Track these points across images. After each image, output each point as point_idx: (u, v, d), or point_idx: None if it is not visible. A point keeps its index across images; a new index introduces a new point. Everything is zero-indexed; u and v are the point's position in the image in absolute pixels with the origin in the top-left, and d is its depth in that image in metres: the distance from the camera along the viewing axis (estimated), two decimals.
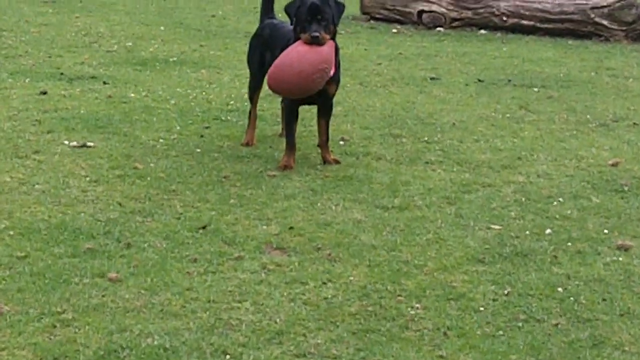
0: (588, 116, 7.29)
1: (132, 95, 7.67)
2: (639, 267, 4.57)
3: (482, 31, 10.61)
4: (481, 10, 10.66)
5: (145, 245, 4.71)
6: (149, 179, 5.81)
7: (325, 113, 6.20)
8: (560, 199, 5.57)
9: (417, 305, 4.12)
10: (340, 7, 6.07)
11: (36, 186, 5.59)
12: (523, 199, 5.57)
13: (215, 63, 8.94)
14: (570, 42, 10.16)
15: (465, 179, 5.90)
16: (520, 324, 3.97)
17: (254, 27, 11.08)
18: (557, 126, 7.04)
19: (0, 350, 3.65)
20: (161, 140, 6.56)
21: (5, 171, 5.79)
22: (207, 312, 4.00)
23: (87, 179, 5.77)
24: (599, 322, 3.98)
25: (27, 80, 7.95)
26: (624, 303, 4.17)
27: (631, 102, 7.72)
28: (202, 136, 6.70)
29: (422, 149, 6.50)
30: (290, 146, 6.13)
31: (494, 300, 4.19)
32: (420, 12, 10.86)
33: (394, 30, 10.70)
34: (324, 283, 4.35)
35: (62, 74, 8.23)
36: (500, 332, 3.89)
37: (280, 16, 6.62)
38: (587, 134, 6.85)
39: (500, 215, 5.35)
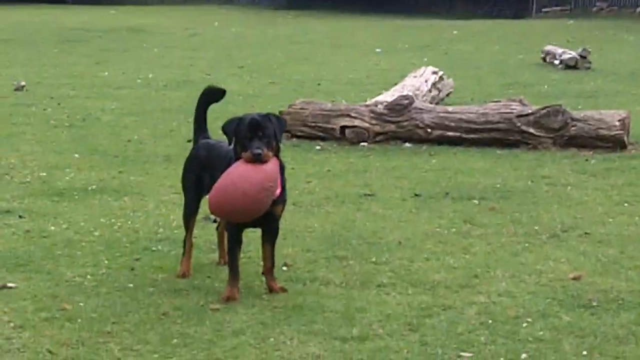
0: (536, 227, 7.00)
1: (52, 228, 7.12)
2: None
3: (407, 144, 10.37)
4: (405, 124, 10.43)
5: None
6: (79, 320, 5.27)
7: (270, 237, 5.77)
8: (529, 319, 5.20)
9: None
10: (282, 123, 5.71)
11: None
12: (490, 321, 5.18)
13: (138, 190, 8.45)
14: (498, 151, 9.97)
15: (423, 302, 5.50)
16: None
17: (172, 150, 10.81)
18: (507, 239, 6.71)
19: None
20: (89, 277, 6.02)
21: None
22: None
23: (11, 324, 5.21)
24: None
25: None
26: None
27: (576, 211, 7.47)
28: (132, 269, 6.19)
29: (372, 270, 6.09)
30: (234, 275, 5.66)
31: None
32: (343, 128, 10.60)
33: (318, 147, 10.39)
34: None
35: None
36: None
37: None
38: (539, 247, 6.53)
39: (469, 341, 4.94)
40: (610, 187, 8.32)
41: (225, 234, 5.96)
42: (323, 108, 10.86)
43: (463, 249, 6.50)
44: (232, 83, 16.30)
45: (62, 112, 12.59)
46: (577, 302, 5.44)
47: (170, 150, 10.32)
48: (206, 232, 6.92)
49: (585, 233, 6.83)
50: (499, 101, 10.64)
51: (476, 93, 14.64)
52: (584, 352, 4.74)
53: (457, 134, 10.31)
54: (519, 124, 10.09)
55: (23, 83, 14.63)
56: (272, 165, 5.49)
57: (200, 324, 5.21)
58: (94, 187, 8.51)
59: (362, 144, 10.48)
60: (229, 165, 5.56)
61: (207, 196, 5.86)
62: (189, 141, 10.91)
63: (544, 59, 18.66)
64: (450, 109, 10.62)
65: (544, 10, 34.44)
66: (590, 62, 17.41)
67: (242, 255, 6.37)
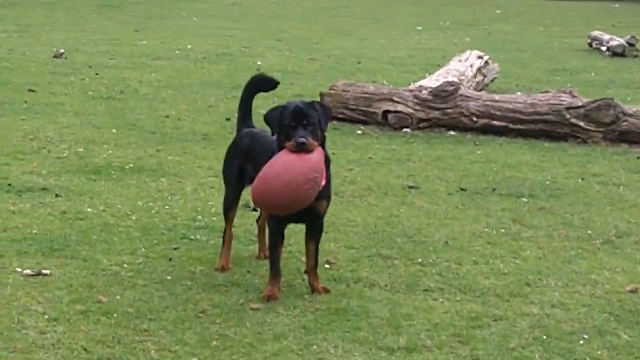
0: (589, 231, 6.71)
1: (89, 210, 6.92)
2: None
3: (452, 132, 10.08)
4: (449, 111, 10.13)
5: None
6: (115, 315, 5.06)
7: (314, 234, 5.52)
8: (585, 336, 4.94)
9: None
10: (327, 111, 5.43)
11: None
12: (544, 337, 4.92)
13: (175, 170, 8.23)
14: (546, 144, 9.65)
15: (473, 311, 5.24)
16: None
17: (210, 129, 10.58)
18: (559, 244, 6.44)
19: None
20: (125, 266, 5.82)
21: None
22: None
23: (46, 316, 5.00)
24: None
25: None
26: None
27: (630, 214, 7.17)
28: (170, 259, 5.97)
29: (418, 272, 5.84)
30: (275, 273, 5.43)
31: None
32: (386, 113, 10.31)
33: (359, 132, 10.12)
34: None
35: (9, 185, 7.45)
36: None
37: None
38: (593, 253, 6.25)
39: (522, 358, 4.69)
40: None
41: (266, 228, 5.73)
42: (365, 91, 10.58)
43: (513, 253, 6.23)
44: (270, 57, 16.06)
45: (100, 83, 12.39)
46: (635, 319, 5.17)
47: (208, 128, 10.10)
48: (245, 221, 6.69)
49: None
50: (548, 91, 10.30)
51: (521, 78, 14.29)
52: None
53: (503, 123, 10.00)
54: (568, 117, 9.77)
55: (62, 50, 14.43)
56: (317, 156, 5.22)
57: (240, 325, 5.00)
58: (131, 165, 8.30)
59: (404, 130, 10.20)
60: (272, 155, 5.32)
61: (249, 187, 5.64)
62: (227, 119, 10.76)
63: (590, 45, 18.24)
64: (497, 97, 10.30)
65: None
66: (638, 50, 16.98)
67: (283, 250, 6.17)
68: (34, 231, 6.38)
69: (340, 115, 10.56)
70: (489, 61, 12.70)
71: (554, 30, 22.27)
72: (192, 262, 5.94)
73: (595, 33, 18.57)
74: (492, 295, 5.48)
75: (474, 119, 10.07)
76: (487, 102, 10.12)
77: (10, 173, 7.82)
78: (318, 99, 10.94)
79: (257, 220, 6.21)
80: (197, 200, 7.37)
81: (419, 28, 22.08)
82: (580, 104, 9.79)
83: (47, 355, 4.60)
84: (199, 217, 6.91)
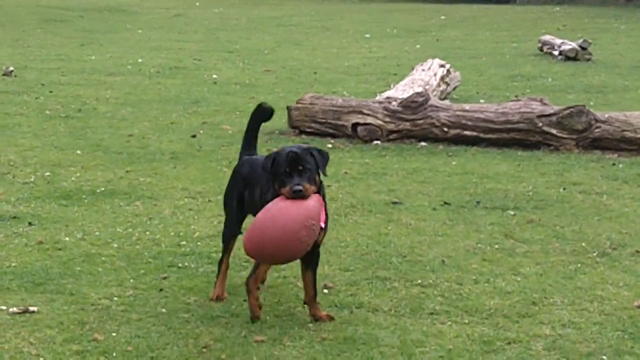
0: (583, 244, 6.59)
1: (67, 239, 6.63)
2: None
3: (423, 143, 9.93)
4: (420, 122, 9.99)
5: None
6: (114, 354, 4.81)
7: (311, 264, 5.30)
8: (604, 357, 4.80)
9: None
10: (325, 156, 5.22)
11: None
12: None
13: (149, 192, 7.96)
14: (519, 153, 9.54)
15: (484, 334, 5.08)
16: None
17: (177, 147, 10.29)
18: (556, 258, 6.30)
19: None
20: (115, 299, 5.56)
21: None
22: None
23: (41, 359, 4.73)
24: None
25: None
26: None
27: (619, 224, 7.07)
28: (161, 290, 5.72)
29: (420, 295, 5.67)
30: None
31: None
32: (355, 125, 10.14)
33: (329, 145, 9.92)
34: None
35: None
36: None
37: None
38: (592, 267, 6.13)
39: None
40: None
41: None
42: (334, 104, 10.39)
43: (512, 270, 6.08)
44: (225, 70, 15.82)
45: (55, 101, 12.05)
46: None
47: (175, 146, 9.83)
48: (235, 246, 6.46)
49: (637, 251, 6.43)
50: (519, 100, 10.21)
51: (480, 85, 14.23)
52: None
53: (475, 133, 9.88)
54: (540, 125, 9.68)
55: (12, 68, 14.03)
56: (314, 202, 5.01)
57: None
58: (102, 189, 8.01)
59: (375, 142, 10.04)
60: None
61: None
62: (193, 136, 10.51)
63: (541, 49, 18.26)
64: (467, 107, 10.18)
65: None
66: (590, 54, 17.03)
67: (276, 274, 5.97)
68: (13, 264, 6.08)
69: (308, 130, 10.36)
70: (451, 70, 12.61)
71: (502, 35, 22.30)
72: (185, 292, 5.70)
73: (546, 37, 18.61)
74: (501, 317, 5.32)
75: (445, 129, 9.94)
76: (458, 113, 10.00)
77: None
78: (284, 111, 10.78)
79: None
80: (178, 224, 7.11)
81: (368, 35, 21.97)
82: (551, 111, 9.71)
83: None
84: (183, 242, 6.66)
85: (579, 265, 6.17)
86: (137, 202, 7.68)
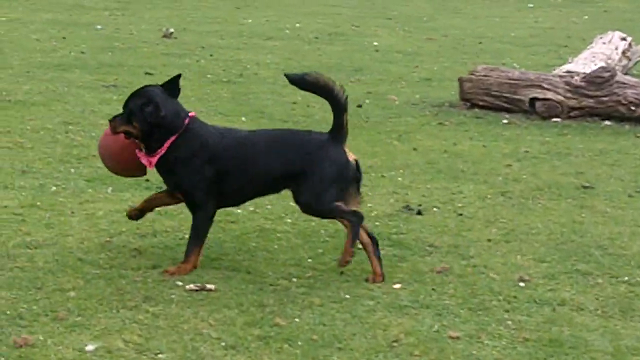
0: None
1: (239, 211, 6.35)
2: None
3: (607, 122, 9.32)
4: (605, 99, 9.37)
5: None
6: (299, 342, 4.48)
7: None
8: None
9: None
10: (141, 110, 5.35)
11: (159, 356, 4.28)
12: None
13: None
14: None
15: None
16: None
17: None
18: None
19: None
20: (294, 280, 5.24)
21: (115, 330, 4.47)
22: None
23: (222, 343, 4.44)
24: None
25: (109, 191, 6.64)
26: None
27: None
28: (342, 273, 5.38)
29: (627, 293, 5.16)
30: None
31: None
32: (533, 100, 9.59)
33: (505, 121, 9.41)
34: None
35: (147, 180, 6.93)
36: None
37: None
38: None
39: None
40: None
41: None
42: (510, 76, 9.85)
43: None
44: (385, 37, 15.40)
45: (216, 65, 11.86)
46: None
47: None
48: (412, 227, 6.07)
49: None
50: None
51: None
52: None
53: None
54: None
55: (172, 30, 13.94)
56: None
57: (443, 358, 4.38)
58: None
59: (554, 119, 9.47)
60: None
61: None
62: (359, 106, 10.15)
63: None
64: None
65: None
66: None
67: (465, 263, 5.55)
68: (185, 236, 5.82)
69: (481, 103, 9.86)
70: (632, 43, 11.86)
71: None
72: (367, 276, 5.34)
73: None
74: None
75: (633, 107, 9.29)
76: None
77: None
78: (453, 82, 10.31)
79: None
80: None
81: (531, 5, 21.18)
82: None
83: None
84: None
85: None
86: None
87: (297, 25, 16.17)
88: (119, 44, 12.94)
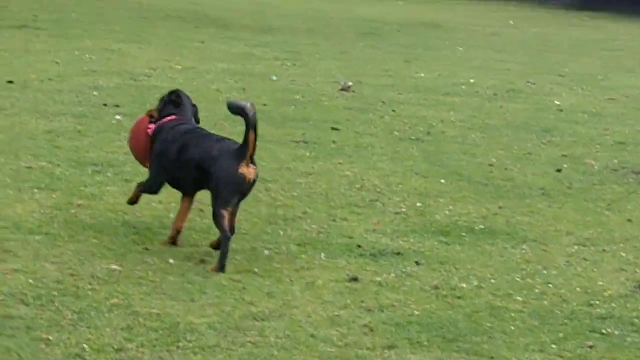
0: None
1: (463, 285, 5.99)
2: None
3: None
4: None
5: None
6: None
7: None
8: None
9: None
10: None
11: None
12: None
13: (532, 235, 7.22)
14: None
15: None
16: None
17: (544, 182, 9.28)
18: None
19: None
20: None
21: None
22: None
23: None
24: None
25: (323, 256, 6.36)
26: None
27: None
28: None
29: None
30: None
31: None
32: None
33: None
34: None
35: (358, 246, 6.64)
36: None
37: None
38: None
39: None
40: None
41: None
42: None
43: None
44: (565, 96, 14.85)
45: (400, 122, 11.54)
46: None
47: (541, 181, 9.03)
48: None
49: None
50: None
51: None
52: None
53: None
54: None
55: (350, 83, 13.74)
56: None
57: None
58: (480, 226, 7.34)
59: None
60: None
61: None
62: (558, 170, 9.69)
63: None
64: None
65: None
66: None
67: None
68: (415, 312, 5.49)
69: None
70: None
71: None
72: None
73: None
74: None
75: None
76: None
77: (353, 231, 7.00)
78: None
79: None
80: (578, 276, 6.33)
81: None
82: None
83: None
84: (594, 301, 5.86)
85: None
86: (522, 246, 6.95)
87: (471, 80, 15.77)
88: (299, 97, 12.79)
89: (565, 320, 5.49)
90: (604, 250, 6.99)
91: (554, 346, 5.12)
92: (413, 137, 10.68)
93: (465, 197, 8.23)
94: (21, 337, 4.74)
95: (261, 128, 10.75)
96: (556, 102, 14.01)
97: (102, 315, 5.10)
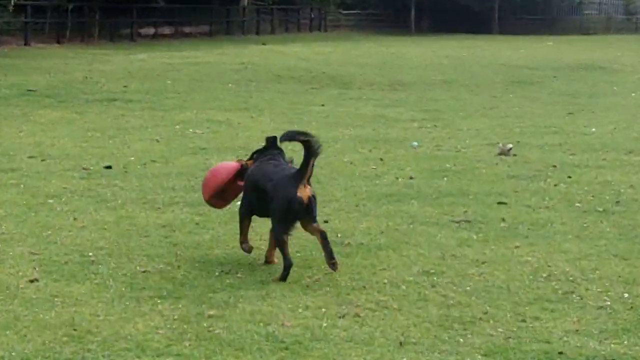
0: None
1: None
2: None
3: None
4: None
5: None
6: None
7: None
8: None
9: None
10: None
11: None
12: None
13: None
14: None
15: None
16: None
17: None
18: None
19: None
20: None
21: None
22: None
23: None
24: None
25: None
26: None
27: None
28: None
29: None
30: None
31: None
32: None
33: None
34: None
35: (560, 353, 6.30)
36: None
37: None
38: None
39: None
40: None
41: None
42: None
43: None
44: None
45: (580, 189, 11.22)
46: None
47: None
48: None
49: None
50: None
51: None
52: None
53: None
54: None
55: (510, 146, 13.48)
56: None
57: None
58: None
59: None
60: None
61: None
62: None
63: None
64: None
65: None
66: None
67: None
68: None
69: None
70: None
71: None
72: None
73: None
74: None
75: None
76: None
77: (550, 333, 6.66)
78: None
79: None
80: None
81: None
82: None
83: None
84: None
85: None
86: None
87: None
88: (449, 165, 12.58)
89: None
90: None
91: None
92: (600, 209, 10.32)
93: None
94: None
95: (413, 206, 10.65)
96: None
97: None
